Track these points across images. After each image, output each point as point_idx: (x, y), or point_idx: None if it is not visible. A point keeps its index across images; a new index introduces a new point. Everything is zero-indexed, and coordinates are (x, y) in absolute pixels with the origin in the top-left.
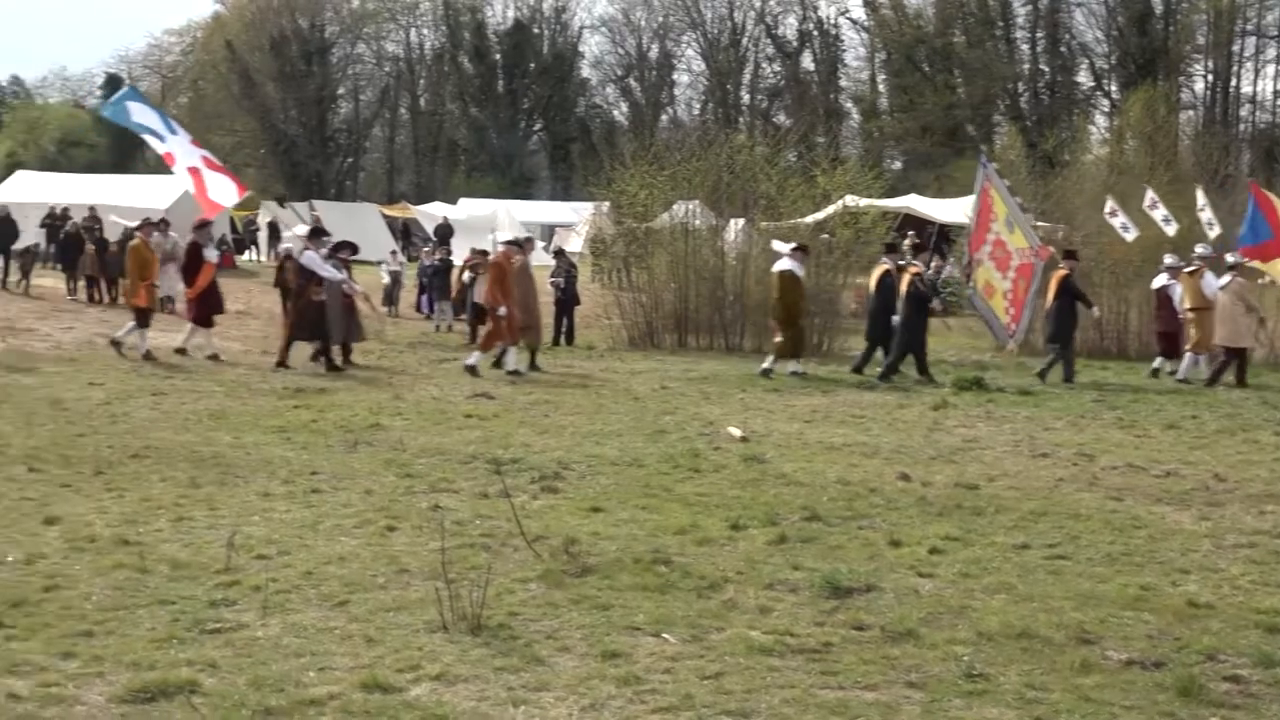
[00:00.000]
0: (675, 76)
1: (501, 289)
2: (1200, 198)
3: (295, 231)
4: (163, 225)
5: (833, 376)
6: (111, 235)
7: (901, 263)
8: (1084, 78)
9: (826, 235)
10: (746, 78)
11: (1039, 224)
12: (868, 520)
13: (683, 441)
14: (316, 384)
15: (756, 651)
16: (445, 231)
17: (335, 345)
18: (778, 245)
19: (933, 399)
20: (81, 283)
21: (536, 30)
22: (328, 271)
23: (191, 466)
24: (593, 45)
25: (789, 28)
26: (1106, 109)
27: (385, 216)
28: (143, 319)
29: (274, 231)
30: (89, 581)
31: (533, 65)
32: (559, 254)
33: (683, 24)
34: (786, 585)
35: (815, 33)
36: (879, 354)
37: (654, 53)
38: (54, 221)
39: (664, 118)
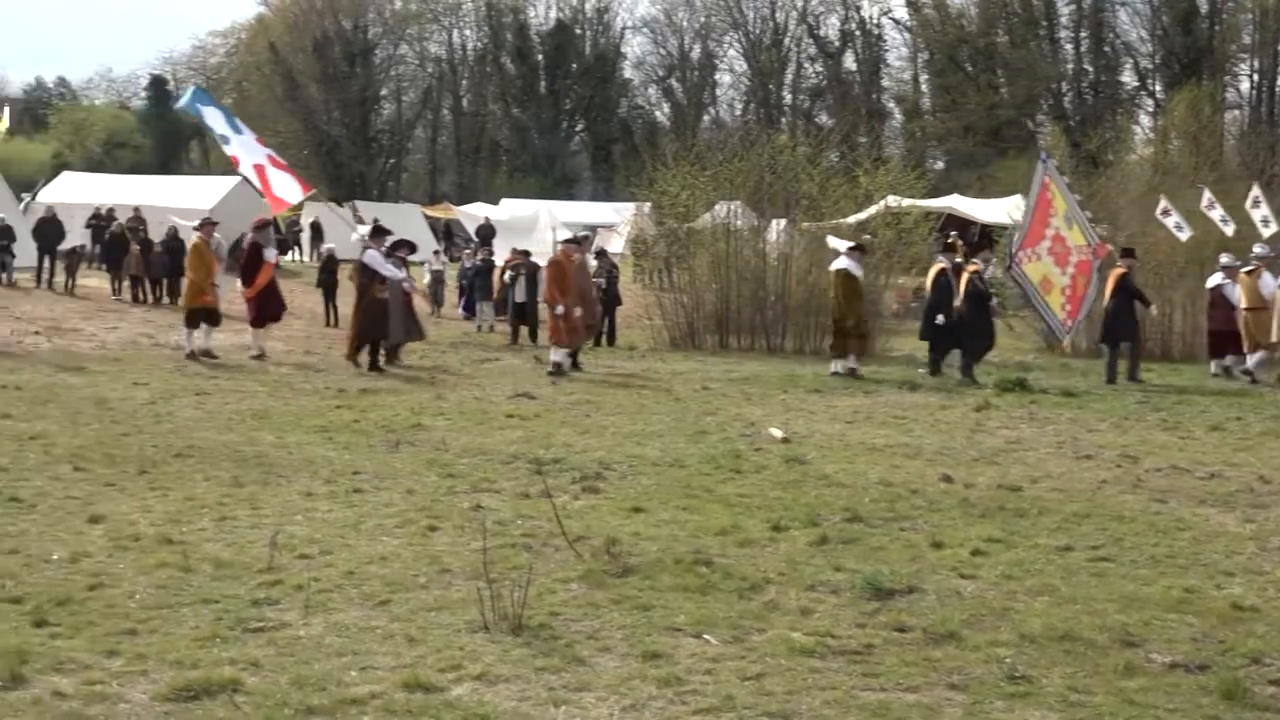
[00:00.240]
0: (717, 77)
1: (560, 288)
2: (1256, 194)
3: (359, 231)
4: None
5: (875, 377)
6: (156, 235)
7: (959, 261)
8: (1128, 77)
9: (868, 235)
10: (788, 78)
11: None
12: (910, 522)
13: (724, 442)
14: (359, 384)
15: (798, 653)
16: (487, 232)
17: (394, 345)
18: (834, 244)
19: (975, 400)
20: (126, 283)
21: (579, 31)
22: (389, 270)
23: (235, 466)
24: (635, 46)
25: (831, 28)
26: (1151, 109)
27: (427, 217)
28: (193, 320)
29: (316, 232)
30: (133, 580)
31: (575, 66)
32: (600, 254)
33: (725, 24)
34: (828, 586)
35: (857, 32)
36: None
37: (696, 53)
38: (99, 222)
39: (706, 118)
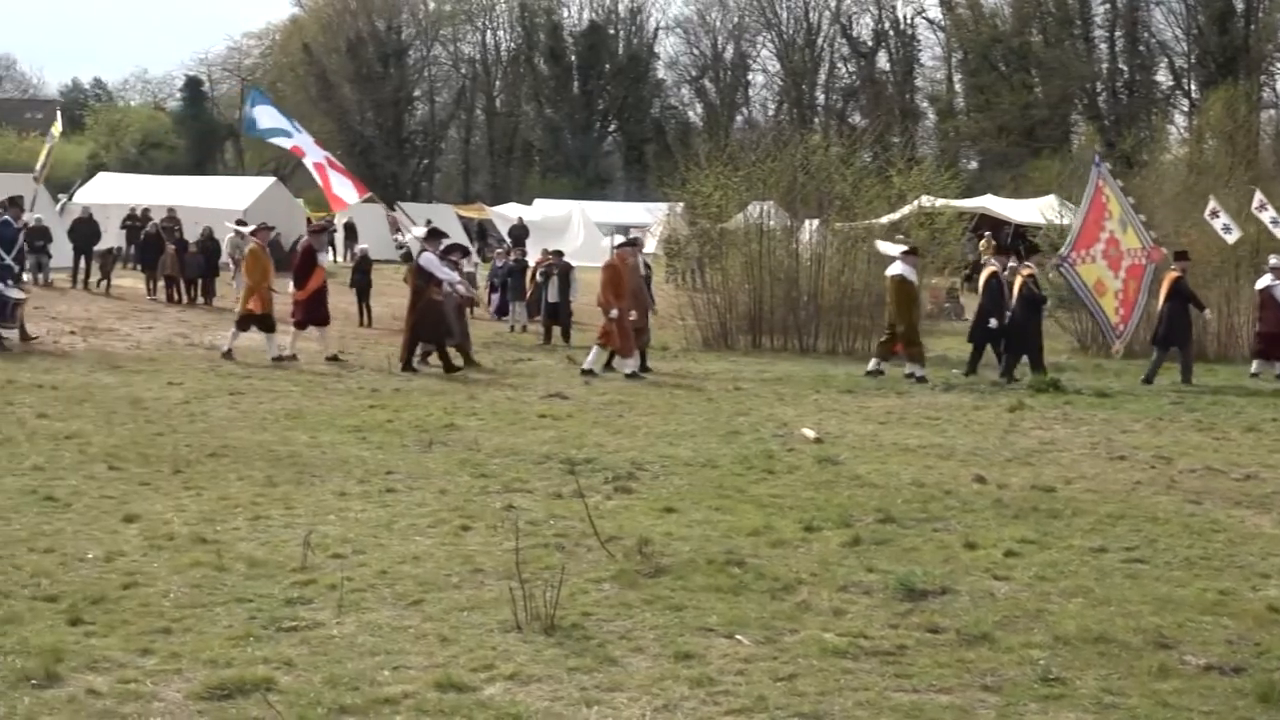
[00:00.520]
0: (750, 77)
1: (615, 291)
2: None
3: (415, 233)
4: (239, 227)
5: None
6: (191, 236)
7: (1014, 264)
8: (1163, 77)
9: (901, 236)
10: (822, 78)
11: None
12: (943, 522)
13: (756, 443)
14: (392, 384)
15: (830, 653)
16: (520, 232)
17: (447, 347)
18: (887, 249)
19: (1009, 401)
20: (161, 283)
21: (611, 31)
22: (445, 273)
23: (268, 465)
24: (668, 46)
25: (864, 28)
26: (1186, 108)
27: (461, 217)
28: (246, 324)
29: (350, 233)
30: (167, 579)
31: (608, 66)
32: None
33: (758, 24)
34: (860, 587)
35: (891, 32)
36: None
37: (729, 53)
38: (134, 223)
39: (739, 118)
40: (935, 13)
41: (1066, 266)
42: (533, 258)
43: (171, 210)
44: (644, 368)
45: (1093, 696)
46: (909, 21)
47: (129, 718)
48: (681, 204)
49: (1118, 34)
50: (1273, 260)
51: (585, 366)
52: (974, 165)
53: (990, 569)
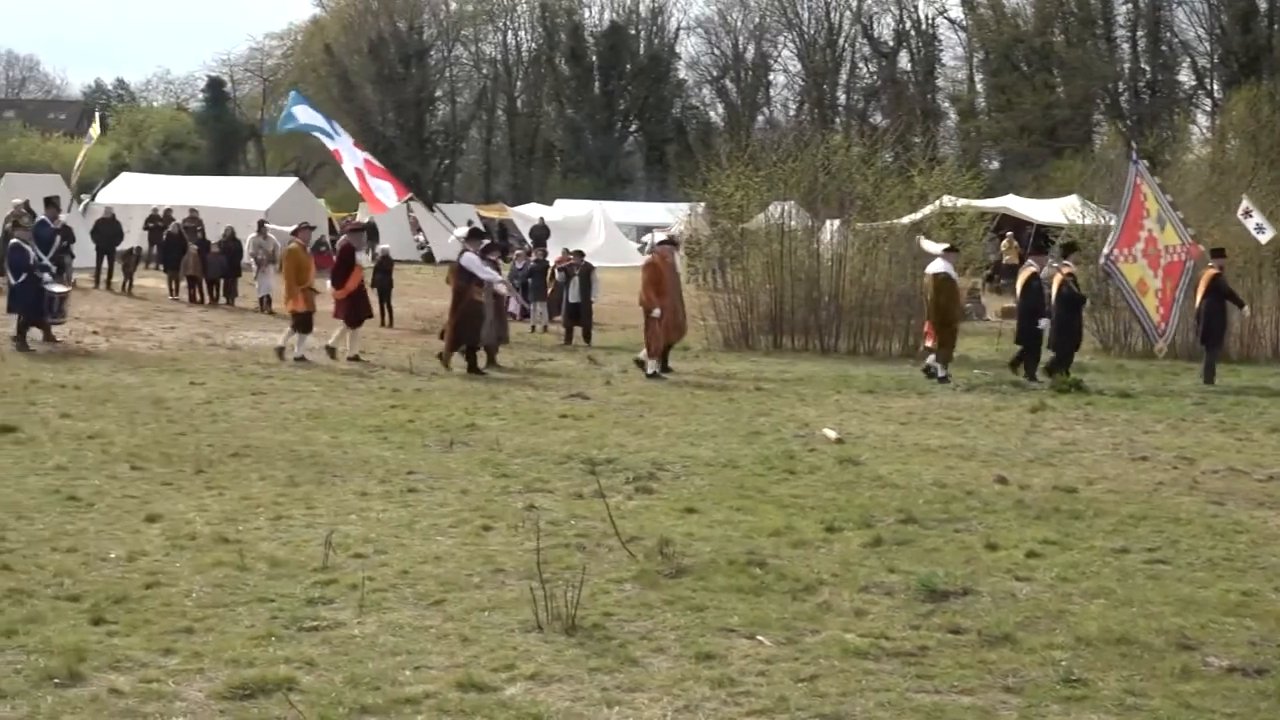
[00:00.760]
0: (771, 77)
1: (657, 289)
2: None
3: (456, 233)
4: (260, 228)
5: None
6: (213, 236)
7: (1055, 264)
8: (1185, 76)
9: (923, 236)
10: (843, 78)
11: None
12: (964, 523)
13: (778, 443)
14: (413, 384)
15: (851, 654)
16: (541, 233)
17: (484, 347)
18: (930, 247)
19: (1030, 401)
20: (183, 283)
21: (633, 31)
22: (487, 273)
23: (290, 465)
24: (689, 46)
25: (886, 28)
26: (1208, 108)
27: (482, 218)
28: (303, 323)
29: (372, 233)
30: (189, 579)
31: (629, 66)
32: None
33: (779, 25)
34: (882, 588)
35: (912, 32)
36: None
37: (750, 53)
38: (157, 223)
39: (760, 118)
40: (957, 12)
41: (1110, 265)
42: (553, 258)
43: (194, 210)
44: (665, 368)
45: (1115, 698)
46: (930, 21)
47: (151, 717)
48: (703, 204)
49: (1140, 34)
50: None
51: (650, 371)
52: (995, 165)
53: (1012, 570)
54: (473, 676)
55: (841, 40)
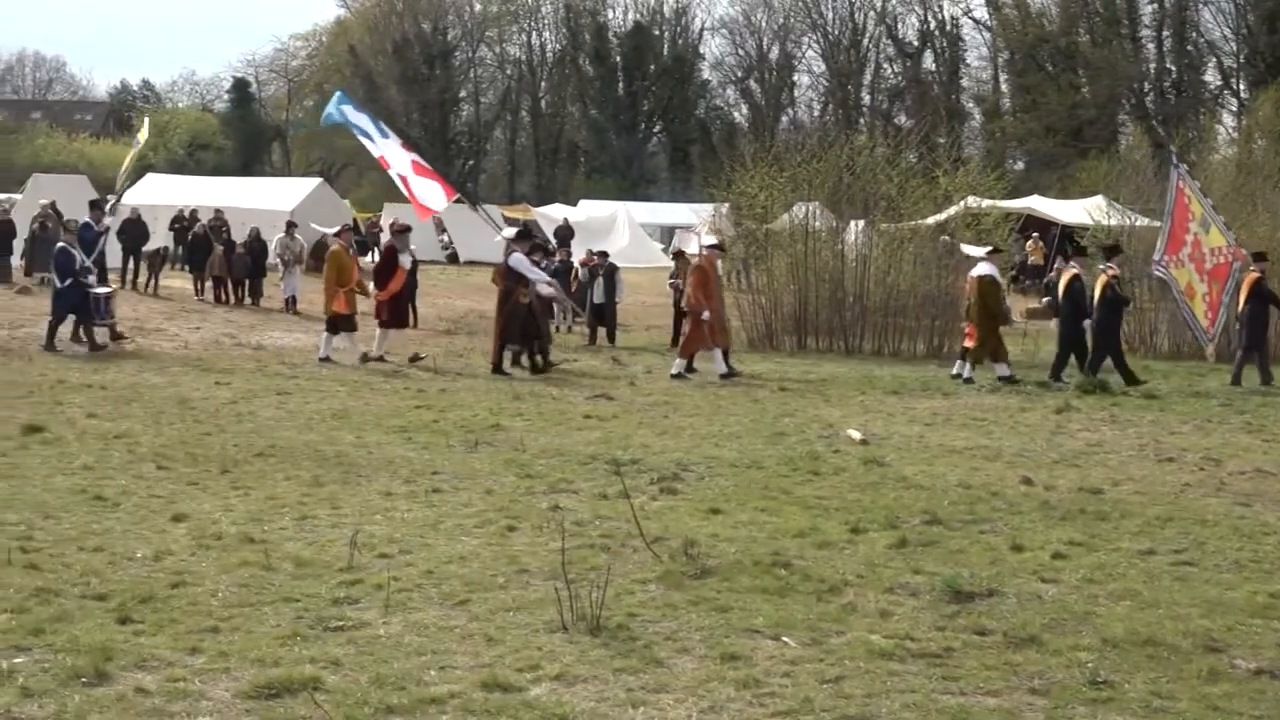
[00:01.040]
0: (796, 78)
1: (705, 292)
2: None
3: (504, 234)
4: (289, 228)
5: (955, 378)
6: (238, 236)
7: (1099, 266)
8: (1211, 76)
9: (947, 237)
10: (867, 78)
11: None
12: (989, 524)
13: (802, 444)
14: (438, 384)
15: (877, 655)
16: (565, 233)
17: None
18: (972, 251)
19: (1055, 402)
20: (208, 283)
21: (657, 32)
22: (535, 274)
23: (315, 465)
24: (713, 47)
25: (910, 28)
26: (1234, 108)
27: (506, 218)
28: (347, 324)
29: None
30: (215, 578)
31: (653, 67)
32: (678, 256)
33: (803, 25)
34: (907, 589)
35: (937, 33)
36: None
37: (774, 54)
38: (182, 224)
39: (784, 119)
40: (981, 13)
41: (1162, 269)
42: (577, 258)
43: (219, 211)
44: (690, 369)
45: (1141, 700)
46: (955, 22)
47: (177, 716)
48: (727, 205)
49: (1166, 33)
50: None
51: (721, 372)
52: (1020, 166)
53: (1038, 571)
54: (498, 677)
55: (866, 41)
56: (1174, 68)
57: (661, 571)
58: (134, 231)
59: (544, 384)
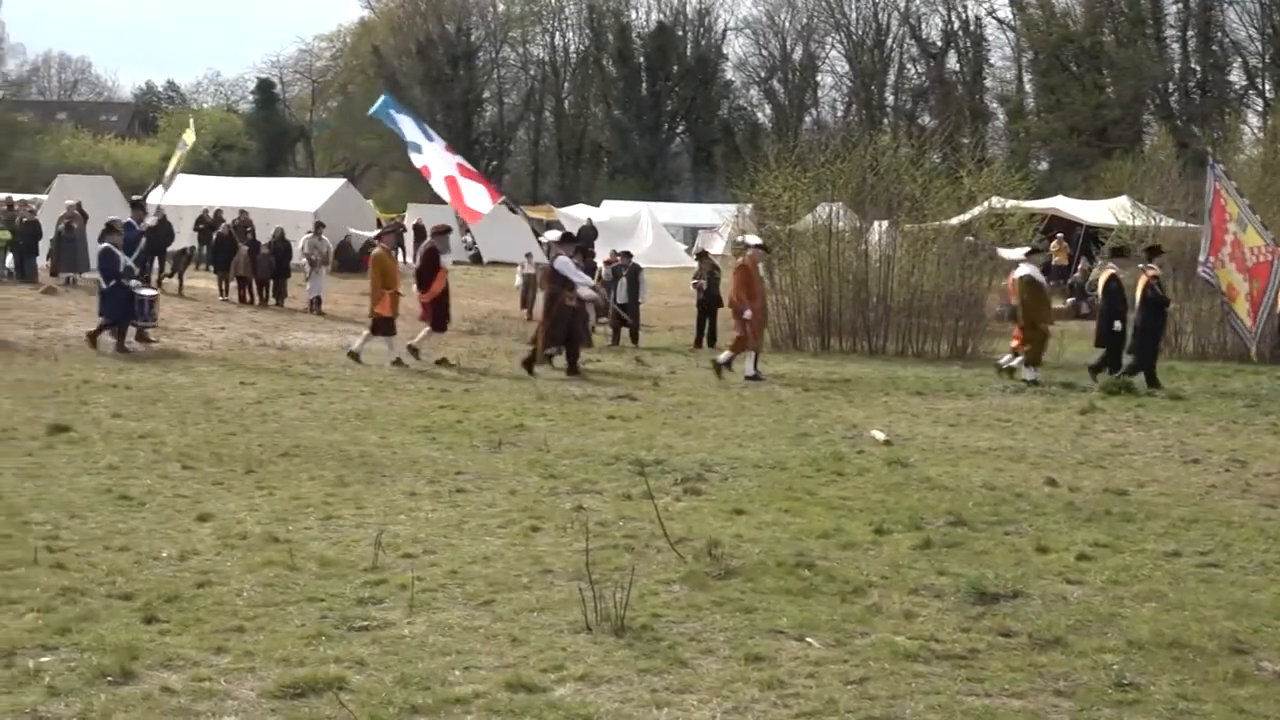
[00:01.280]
0: (819, 78)
1: (748, 291)
2: None
3: (548, 236)
4: (318, 229)
5: (978, 379)
6: (263, 237)
7: (1141, 265)
8: (1236, 76)
9: (971, 238)
10: (891, 79)
11: (1190, 225)
12: (1014, 525)
13: (826, 444)
14: (461, 384)
15: (901, 657)
16: (588, 234)
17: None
18: (1009, 253)
19: (1080, 403)
20: (233, 284)
21: (680, 33)
22: (580, 277)
23: (339, 465)
24: (736, 47)
25: (934, 28)
26: (1260, 108)
27: (529, 219)
28: (387, 327)
29: (419, 234)
30: (240, 578)
31: (676, 67)
32: (702, 256)
33: (827, 25)
34: (932, 590)
35: (961, 33)
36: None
37: (798, 54)
38: (207, 224)
39: (807, 119)
40: (1005, 13)
41: (1208, 271)
42: (600, 259)
43: (244, 211)
44: (728, 367)
45: (1167, 702)
46: (979, 22)
47: (203, 715)
48: (750, 205)
49: (1190, 33)
50: None
51: (748, 374)
52: (1044, 166)
53: (1063, 573)
54: (522, 677)
55: (889, 41)
56: (1199, 67)
57: (685, 572)
58: (160, 232)
59: (568, 384)
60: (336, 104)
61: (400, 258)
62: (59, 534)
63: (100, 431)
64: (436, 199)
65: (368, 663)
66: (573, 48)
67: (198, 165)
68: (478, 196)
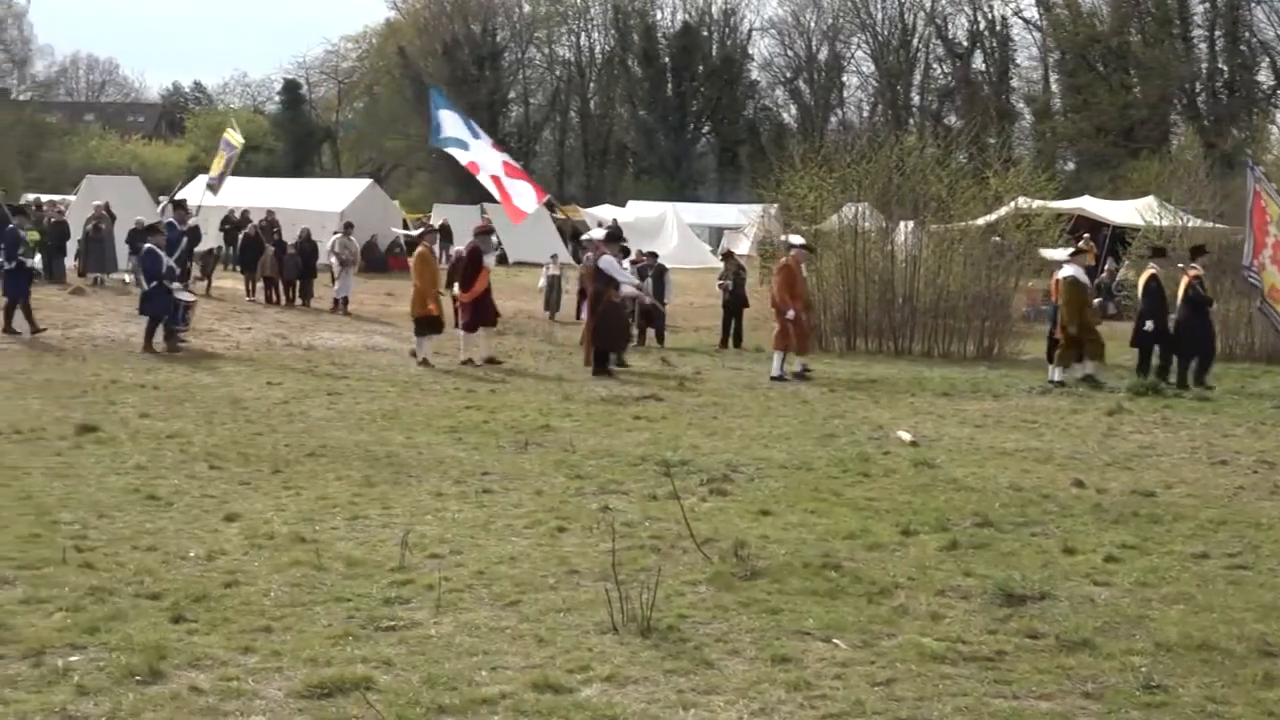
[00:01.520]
0: (845, 78)
1: (791, 292)
2: None
3: (593, 235)
4: (348, 229)
5: (1004, 380)
6: (289, 237)
7: (1181, 265)
8: (1265, 76)
9: (998, 238)
10: (917, 79)
11: (1218, 225)
12: (1041, 527)
13: (852, 445)
14: (487, 385)
15: (928, 658)
16: (614, 234)
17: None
18: (1053, 254)
19: (1107, 404)
20: (260, 284)
21: (705, 33)
22: (626, 277)
23: (366, 465)
24: (762, 47)
25: (960, 28)
26: None
27: (554, 219)
28: (434, 327)
29: (445, 234)
30: (267, 578)
31: (701, 68)
32: (727, 256)
33: (852, 25)
34: (958, 592)
35: (987, 33)
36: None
37: (823, 54)
38: (232, 225)
39: (833, 119)
40: (1031, 12)
41: (1254, 275)
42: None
43: (270, 212)
44: (791, 370)
45: (1195, 705)
46: (1005, 22)
47: (231, 715)
48: (776, 206)
49: (1218, 33)
50: None
51: (773, 374)
52: (1071, 166)
53: (1090, 574)
54: (549, 677)
55: (915, 41)
56: (1226, 68)
57: (712, 573)
58: (188, 233)
59: (593, 384)
60: (362, 104)
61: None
62: (87, 533)
63: (128, 431)
64: (462, 199)
65: (395, 663)
66: (598, 48)
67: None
68: (524, 195)
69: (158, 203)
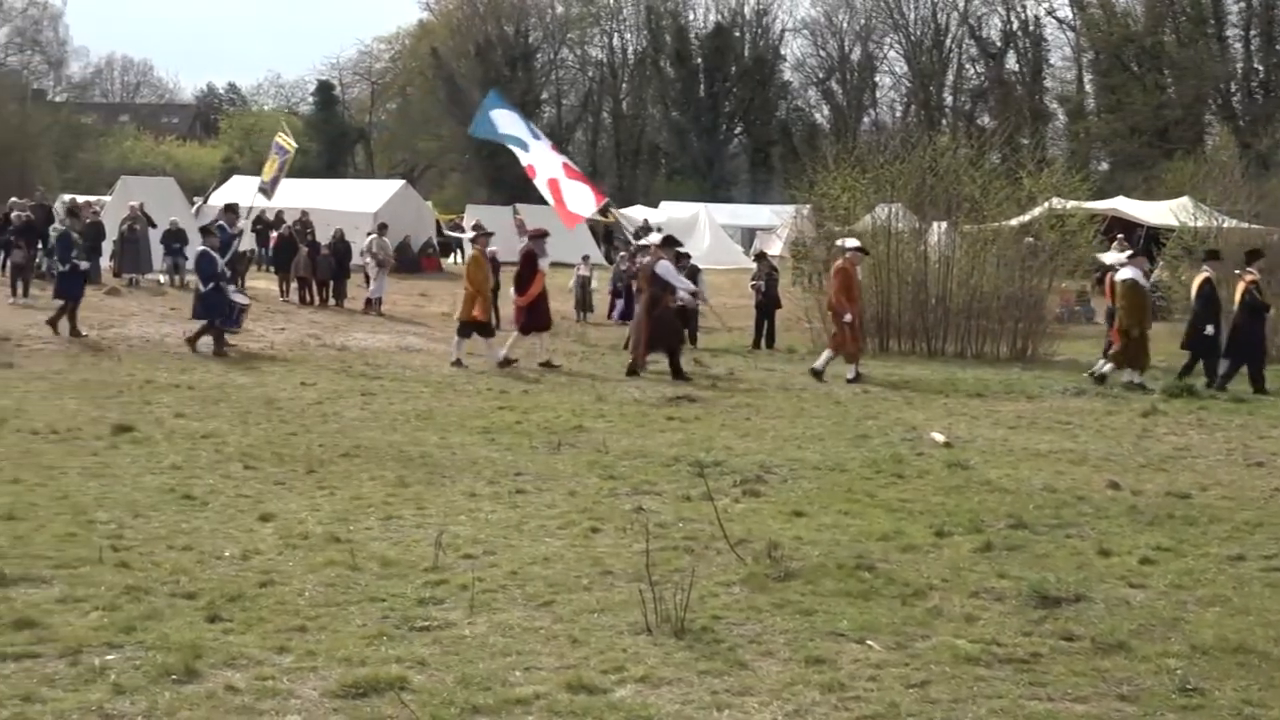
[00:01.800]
0: (877, 79)
1: (848, 295)
2: None
3: (649, 239)
4: (382, 230)
5: (1039, 381)
6: (323, 238)
7: (1238, 270)
8: None
9: (1031, 239)
10: (949, 79)
11: (1254, 226)
12: (1076, 528)
13: (885, 446)
14: (520, 385)
15: (963, 660)
16: (670, 239)
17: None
18: (1111, 258)
19: (1142, 405)
20: (294, 284)
21: (737, 33)
22: (682, 282)
23: (400, 466)
24: (794, 48)
25: (993, 28)
26: None
27: (587, 220)
28: (484, 330)
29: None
30: (302, 578)
31: (734, 68)
32: (760, 257)
33: (885, 26)
34: (993, 594)
35: (1020, 33)
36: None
37: (856, 55)
38: (264, 225)
39: (866, 120)
40: (1065, 12)
41: None
42: None
43: (304, 212)
44: (858, 375)
45: (1232, 708)
46: (1038, 22)
47: (266, 714)
48: (808, 206)
49: (1253, 33)
50: None
51: (816, 367)
52: (1105, 167)
53: (1125, 576)
54: (583, 678)
55: (948, 41)
56: (1261, 68)
57: (745, 574)
58: None
59: (626, 385)
60: (395, 105)
61: (458, 259)
62: (123, 533)
63: (163, 431)
64: (495, 200)
65: (429, 663)
66: (630, 49)
67: (258, 167)
68: (580, 199)
69: (191, 203)
